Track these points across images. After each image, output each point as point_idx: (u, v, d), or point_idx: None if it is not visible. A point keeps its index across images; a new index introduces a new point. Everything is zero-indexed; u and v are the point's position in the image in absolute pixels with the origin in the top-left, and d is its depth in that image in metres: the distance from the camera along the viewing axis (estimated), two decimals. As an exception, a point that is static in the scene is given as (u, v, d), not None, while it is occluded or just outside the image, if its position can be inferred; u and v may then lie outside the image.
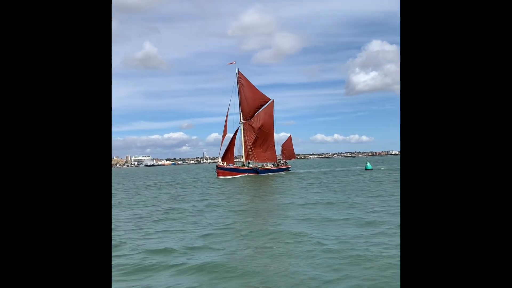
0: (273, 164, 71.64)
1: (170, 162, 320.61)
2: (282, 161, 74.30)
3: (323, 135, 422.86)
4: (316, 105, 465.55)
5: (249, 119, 68.60)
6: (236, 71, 68.04)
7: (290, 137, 76.86)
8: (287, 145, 75.07)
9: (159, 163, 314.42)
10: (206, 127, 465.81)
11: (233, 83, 68.51)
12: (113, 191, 44.98)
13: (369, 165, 69.26)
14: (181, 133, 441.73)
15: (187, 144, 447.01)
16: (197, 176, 76.56)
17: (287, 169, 72.37)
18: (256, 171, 66.58)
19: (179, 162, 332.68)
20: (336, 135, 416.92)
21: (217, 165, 65.86)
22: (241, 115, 68.33)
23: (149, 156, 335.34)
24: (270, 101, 69.70)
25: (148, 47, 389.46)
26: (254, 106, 68.69)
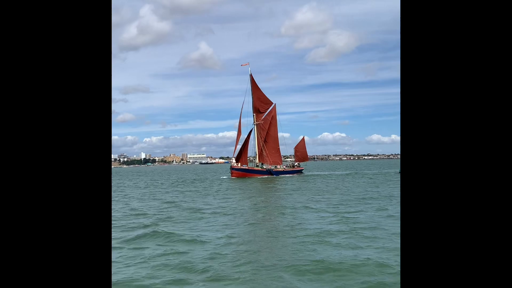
0: (286, 166, 72.43)
1: (223, 161, 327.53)
2: (296, 163, 74.71)
3: (379, 136, 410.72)
4: (372, 104, 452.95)
5: (260, 121, 69.88)
6: (249, 73, 69.60)
7: (303, 139, 77.06)
8: (300, 147, 75.28)
9: (213, 161, 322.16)
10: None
11: (247, 85, 70.08)
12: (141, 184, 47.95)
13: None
14: (235, 132, 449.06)
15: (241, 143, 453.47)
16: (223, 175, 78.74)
17: (300, 171, 72.60)
18: (270, 172, 67.62)
19: (232, 160, 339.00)
20: (393, 136, 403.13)
21: (231, 166, 67.58)
22: (254, 117, 69.70)
23: (204, 154, 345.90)
24: (273, 104, 70.90)
25: (204, 48, 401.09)
26: (262, 108, 69.96)
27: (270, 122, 70.19)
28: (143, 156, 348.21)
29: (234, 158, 69.50)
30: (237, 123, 67.62)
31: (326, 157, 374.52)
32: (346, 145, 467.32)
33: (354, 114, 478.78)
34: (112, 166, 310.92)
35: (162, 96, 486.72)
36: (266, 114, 70.41)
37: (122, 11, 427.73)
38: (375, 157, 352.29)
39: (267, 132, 69.86)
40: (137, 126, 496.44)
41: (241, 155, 68.77)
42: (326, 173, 77.14)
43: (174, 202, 28.26)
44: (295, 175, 69.35)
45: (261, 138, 69.84)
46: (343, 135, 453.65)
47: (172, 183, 56.03)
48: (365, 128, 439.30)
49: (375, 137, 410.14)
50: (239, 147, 68.82)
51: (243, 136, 68.74)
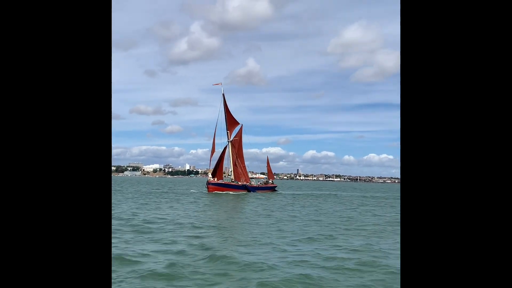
0: (260, 183, 75.26)
1: (264, 176, 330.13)
2: (270, 181, 77.10)
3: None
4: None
5: (233, 138, 73.39)
6: (222, 92, 73.47)
7: (267, 158, 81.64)
8: (268, 165, 78.65)
9: (254, 176, 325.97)
10: (303, 143, 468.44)
11: (220, 103, 74.04)
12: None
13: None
14: (279, 148, 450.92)
15: (284, 160, 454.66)
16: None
17: (273, 188, 74.73)
18: (245, 187, 70.32)
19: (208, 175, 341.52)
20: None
21: (207, 181, 70.87)
22: (228, 134, 73.20)
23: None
24: (240, 125, 74.31)
25: (251, 64, 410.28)
26: (233, 127, 73.66)
27: (239, 142, 73.83)
28: (187, 167, 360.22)
29: (210, 173, 72.78)
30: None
31: (370, 178, 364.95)
32: (393, 167, 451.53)
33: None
34: (157, 176, 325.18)
35: (210, 110, 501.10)
36: (236, 134, 73.98)
37: (172, 26, 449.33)
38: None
39: (237, 151, 73.34)
40: (184, 138, 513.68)
41: (217, 170, 71.98)
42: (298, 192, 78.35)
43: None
44: (268, 191, 71.70)
45: (235, 155, 73.08)
46: (391, 157, 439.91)
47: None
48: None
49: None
50: (214, 162, 72.37)
51: (217, 152, 72.38)
